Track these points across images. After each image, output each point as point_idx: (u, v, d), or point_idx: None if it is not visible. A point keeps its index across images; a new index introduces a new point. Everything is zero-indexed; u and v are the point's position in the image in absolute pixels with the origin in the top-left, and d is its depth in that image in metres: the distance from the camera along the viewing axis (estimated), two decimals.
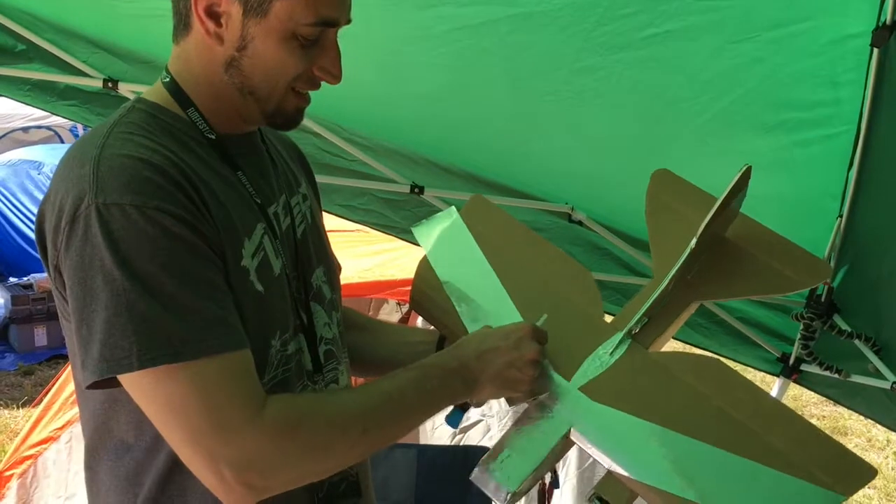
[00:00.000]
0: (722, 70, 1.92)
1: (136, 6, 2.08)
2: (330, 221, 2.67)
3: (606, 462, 1.24)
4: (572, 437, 1.25)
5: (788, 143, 2.10)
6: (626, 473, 1.21)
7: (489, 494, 1.21)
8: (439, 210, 2.55)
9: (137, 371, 0.97)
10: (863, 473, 1.18)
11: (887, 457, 4.97)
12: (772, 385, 2.89)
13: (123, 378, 0.99)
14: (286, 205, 1.21)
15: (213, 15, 1.07)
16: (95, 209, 0.98)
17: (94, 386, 1.00)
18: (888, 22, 1.78)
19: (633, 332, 1.37)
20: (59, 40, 2.41)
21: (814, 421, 5.56)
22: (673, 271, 1.40)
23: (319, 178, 2.51)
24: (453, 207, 1.53)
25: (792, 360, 2.78)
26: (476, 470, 1.22)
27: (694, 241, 1.37)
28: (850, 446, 5.20)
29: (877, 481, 4.72)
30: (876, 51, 1.85)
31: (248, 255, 1.09)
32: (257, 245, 1.11)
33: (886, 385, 2.40)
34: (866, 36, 1.83)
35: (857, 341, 2.49)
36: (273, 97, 1.11)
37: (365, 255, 3.65)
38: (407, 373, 1.17)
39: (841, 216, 2.32)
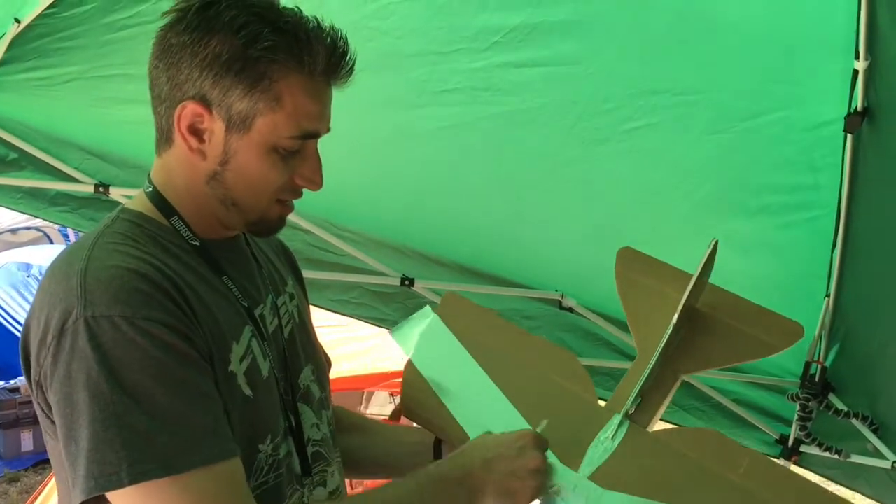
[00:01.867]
0: (703, 158, 1.97)
1: (127, 113, 2.12)
2: (320, 314, 2.68)
3: None
4: None
5: (772, 226, 2.14)
6: None
7: None
8: (430, 302, 2.57)
9: (127, 487, 0.95)
10: None
11: None
12: None
13: (112, 495, 0.97)
14: (273, 305, 1.21)
15: (196, 132, 1.08)
16: (84, 322, 0.97)
17: None
18: (859, 108, 1.84)
19: (630, 413, 1.37)
20: (51, 148, 2.45)
21: None
22: (659, 348, 1.41)
23: (309, 274, 2.53)
24: (428, 307, 1.54)
25: (791, 442, 2.76)
26: None
27: (675, 316, 1.39)
28: None
29: None
30: (850, 136, 1.91)
31: (237, 359, 1.08)
32: (245, 348, 1.10)
33: (887, 465, 2.38)
34: (839, 122, 1.89)
35: (854, 420, 2.49)
36: (256, 208, 1.11)
37: (356, 349, 3.65)
38: (408, 482, 1.15)
39: (828, 296, 2.35)
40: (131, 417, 0.96)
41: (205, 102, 1.06)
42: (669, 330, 1.40)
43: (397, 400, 4.07)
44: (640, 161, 1.96)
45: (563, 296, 2.58)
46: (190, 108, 1.06)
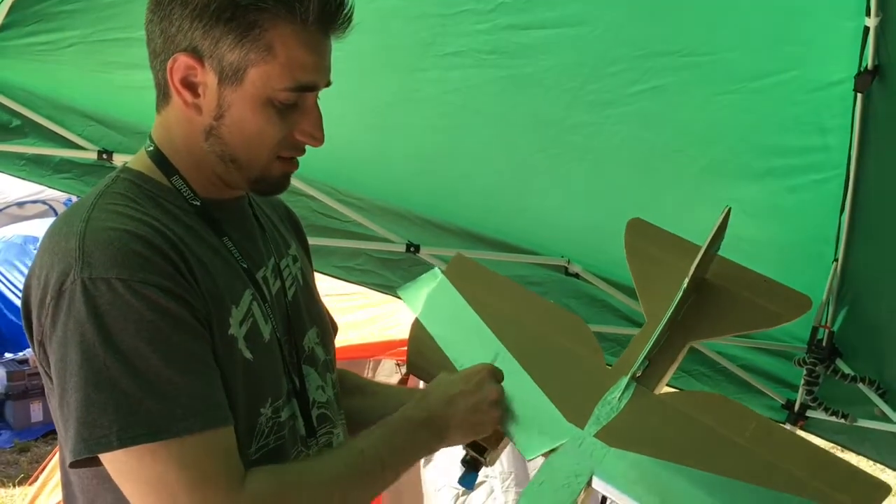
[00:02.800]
0: (710, 121, 1.95)
1: (130, 78, 2.10)
2: (327, 283, 2.68)
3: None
4: (594, 486, 1.24)
5: (780, 189, 2.12)
6: None
7: None
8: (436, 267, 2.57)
9: (117, 450, 0.96)
10: (878, 490, 1.21)
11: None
12: None
13: (104, 456, 0.97)
14: (275, 268, 1.20)
15: (190, 85, 1.06)
16: (81, 284, 0.97)
17: (77, 465, 0.99)
18: (870, 67, 1.82)
19: (637, 376, 1.39)
20: (54, 115, 2.43)
21: None
22: (668, 314, 1.42)
23: (314, 241, 2.52)
24: (436, 269, 1.55)
25: (797, 407, 2.75)
26: None
27: (685, 281, 1.40)
28: None
29: None
30: (860, 96, 1.88)
31: (236, 322, 1.07)
32: (245, 312, 1.09)
33: (894, 428, 2.38)
34: (849, 82, 1.86)
35: (860, 385, 2.48)
36: (256, 164, 1.09)
37: (363, 317, 3.64)
38: (377, 430, 1.18)
39: (836, 260, 2.33)
40: (124, 381, 0.96)
41: (196, 54, 1.05)
42: (678, 296, 1.42)
43: (404, 369, 4.08)
44: (646, 124, 1.94)
45: (569, 262, 2.57)
46: (181, 61, 1.05)
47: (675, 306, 1.42)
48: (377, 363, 4.10)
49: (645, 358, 1.39)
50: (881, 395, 2.48)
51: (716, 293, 1.55)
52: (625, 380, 1.37)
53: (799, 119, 1.96)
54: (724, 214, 1.49)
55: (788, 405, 2.79)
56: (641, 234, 1.65)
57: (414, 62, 1.94)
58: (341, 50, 1.94)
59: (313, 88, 1.09)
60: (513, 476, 3.36)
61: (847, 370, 2.50)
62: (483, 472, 3.37)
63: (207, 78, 1.05)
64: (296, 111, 1.08)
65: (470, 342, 1.42)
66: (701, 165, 2.05)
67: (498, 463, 3.37)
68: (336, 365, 1.33)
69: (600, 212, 2.32)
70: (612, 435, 1.30)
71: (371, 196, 2.55)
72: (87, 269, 0.97)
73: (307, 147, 1.12)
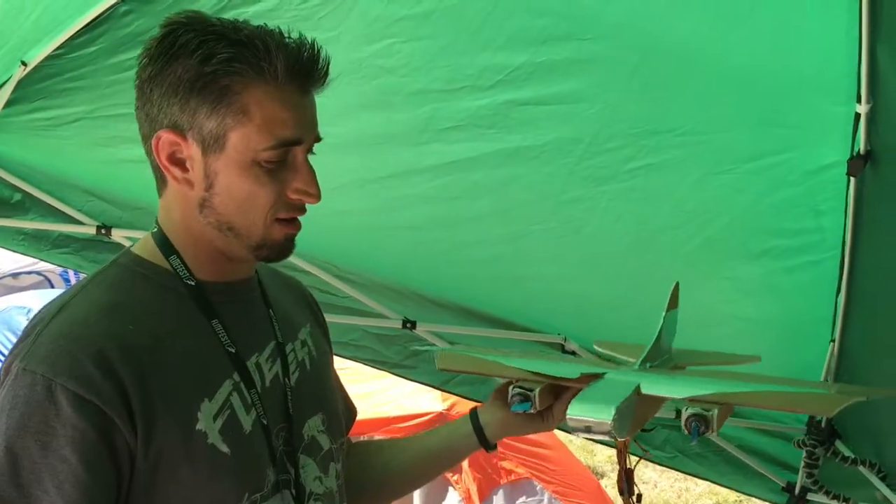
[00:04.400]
0: (705, 200, 1.97)
1: (132, 152, 2.12)
2: None
3: (676, 394, 1.26)
4: (644, 391, 1.24)
5: (776, 270, 2.13)
6: (695, 394, 1.22)
7: (588, 435, 1.18)
8: (431, 344, 2.56)
9: None
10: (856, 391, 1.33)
11: None
12: None
13: None
14: (274, 352, 1.18)
15: (178, 161, 1.07)
16: (15, 372, 1.00)
17: None
18: (862, 152, 1.84)
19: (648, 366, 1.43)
20: (54, 190, 2.46)
21: None
22: (655, 334, 1.47)
23: None
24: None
25: (798, 490, 2.71)
26: (568, 420, 1.19)
27: (664, 314, 1.49)
28: None
29: None
30: (853, 179, 1.91)
31: (208, 416, 1.05)
32: (221, 404, 1.07)
33: None
34: (842, 165, 1.89)
35: (861, 468, 2.44)
36: (254, 230, 1.08)
37: (354, 392, 3.60)
38: None
39: (833, 340, 2.33)
40: (4, 482, 0.97)
41: (178, 129, 1.06)
42: (662, 318, 1.49)
43: None
44: (642, 201, 1.97)
45: (565, 339, 2.56)
46: (165, 138, 1.06)
47: (660, 329, 1.48)
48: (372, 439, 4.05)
49: (647, 355, 1.42)
50: (882, 479, 2.44)
51: (684, 351, 1.63)
52: (637, 364, 1.40)
53: (794, 201, 1.98)
54: (672, 289, 1.55)
55: (789, 488, 2.74)
56: (607, 348, 1.73)
57: (414, 136, 1.98)
58: (342, 126, 1.99)
59: (296, 143, 1.08)
60: None
61: (847, 452, 2.47)
62: None
63: (192, 151, 1.06)
64: (285, 169, 1.08)
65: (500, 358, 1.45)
66: (697, 243, 2.06)
67: None
68: (344, 453, 1.29)
69: (596, 286, 2.33)
70: (649, 372, 1.36)
71: (368, 272, 2.56)
72: (26, 359, 1.00)
73: (308, 206, 1.11)
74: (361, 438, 4.05)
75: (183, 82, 1.04)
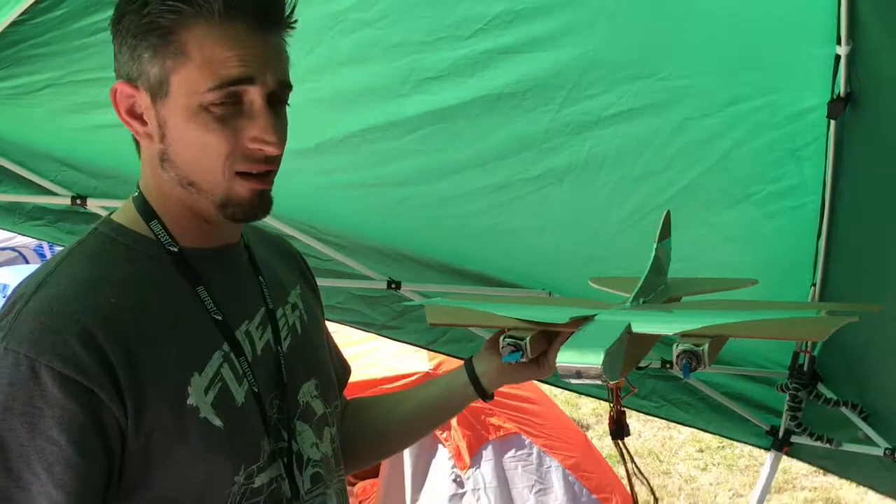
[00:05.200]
0: (686, 145, 1.97)
1: (105, 117, 2.09)
2: None
3: (667, 330, 1.25)
4: (634, 330, 1.22)
5: (757, 215, 2.14)
6: (685, 329, 1.20)
7: (579, 382, 1.15)
8: (417, 305, 2.55)
9: None
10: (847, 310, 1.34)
11: None
12: (762, 459, 2.86)
13: None
14: (265, 319, 1.15)
15: (136, 115, 1.03)
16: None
17: None
18: (842, 94, 1.85)
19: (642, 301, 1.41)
20: (26, 161, 2.41)
21: (805, 493, 5.50)
22: (646, 270, 1.44)
23: None
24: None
25: (781, 433, 2.75)
26: (558, 367, 1.16)
27: (655, 245, 1.47)
28: None
29: None
30: (833, 122, 1.91)
31: (199, 391, 1.02)
32: (212, 377, 1.04)
33: (879, 451, 2.38)
34: (822, 108, 1.89)
35: (843, 409, 2.49)
36: (215, 185, 1.03)
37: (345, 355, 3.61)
38: None
39: (814, 284, 2.35)
40: None
41: (130, 80, 1.03)
42: (654, 248, 1.46)
43: None
44: (624, 147, 1.96)
45: (550, 294, 2.57)
46: (120, 90, 1.03)
47: (652, 263, 1.46)
48: None
49: (640, 289, 1.40)
50: (864, 419, 2.49)
51: (680, 280, 1.62)
52: (629, 299, 1.38)
53: (774, 145, 1.98)
54: (664, 217, 1.54)
55: (773, 431, 2.79)
56: (602, 283, 1.70)
57: (394, 88, 1.95)
58: (320, 81, 1.96)
59: (243, 82, 1.00)
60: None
61: (829, 394, 2.52)
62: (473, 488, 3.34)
63: (145, 100, 1.02)
64: (240, 116, 1.01)
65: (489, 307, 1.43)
66: (678, 189, 2.07)
67: (485, 500, 3.33)
68: (339, 415, 1.28)
69: (579, 237, 2.33)
70: (641, 309, 1.35)
71: (351, 233, 2.54)
72: (7, 338, 0.97)
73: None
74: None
75: (130, 31, 1.01)
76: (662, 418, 2.86)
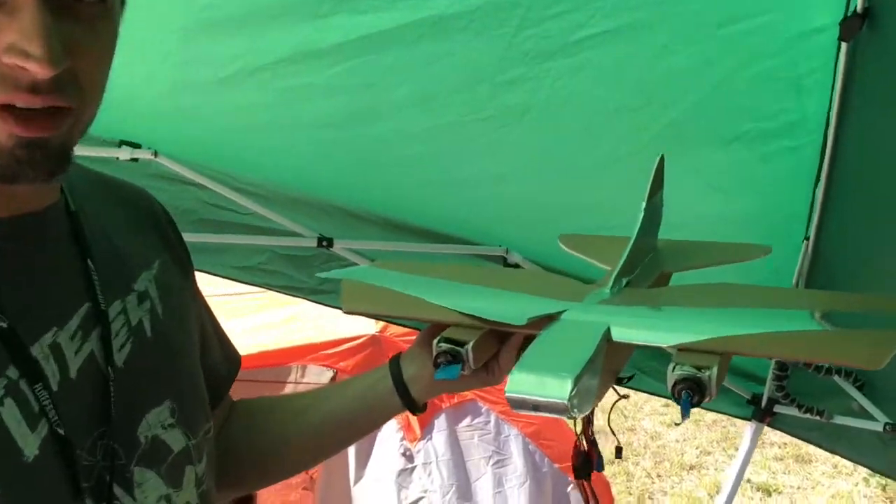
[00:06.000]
0: (670, 74, 1.62)
1: None
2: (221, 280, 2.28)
3: (660, 340, 0.95)
4: (615, 337, 0.93)
5: (749, 158, 1.82)
6: (686, 340, 0.91)
7: (538, 414, 0.86)
8: (353, 264, 2.21)
9: None
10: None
11: (857, 483, 4.73)
12: (742, 430, 2.61)
13: None
14: (88, 322, 0.78)
15: None
16: None
17: None
18: (859, 10, 1.51)
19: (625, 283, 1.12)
20: None
21: (774, 449, 5.32)
22: (633, 237, 1.15)
23: (205, 238, 2.13)
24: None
25: (764, 402, 2.49)
26: (507, 398, 0.86)
27: (643, 204, 1.18)
28: (816, 475, 4.99)
29: None
30: (844, 46, 1.58)
31: None
32: None
33: (878, 427, 2.12)
34: (833, 29, 1.55)
35: (836, 377, 2.22)
36: None
37: (280, 316, 3.27)
38: None
39: (807, 238, 2.05)
40: None
41: None
42: (640, 217, 1.16)
43: (329, 375, 3.72)
44: (595, 78, 1.61)
45: (507, 251, 2.25)
46: None
47: (640, 227, 1.16)
48: (301, 369, 3.73)
49: (623, 266, 1.11)
50: (859, 388, 2.23)
51: (675, 246, 1.33)
52: (612, 277, 1.08)
53: (773, 74, 1.65)
54: (657, 164, 1.27)
55: (755, 400, 2.53)
56: (573, 246, 1.40)
57: (312, 7, 1.56)
58: (230, 2, 1.58)
59: None
60: (454, 489, 3.04)
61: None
62: (420, 487, 3.06)
63: None
64: None
65: (426, 287, 1.12)
66: (659, 127, 1.72)
67: (437, 474, 3.04)
68: (211, 442, 0.92)
69: (542, 186, 1.98)
70: (616, 302, 1.04)
71: (272, 181, 2.17)
72: None
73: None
74: (296, 366, 3.74)
75: None
76: (634, 389, 2.57)
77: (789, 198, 1.94)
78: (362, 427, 1.14)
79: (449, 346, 0.97)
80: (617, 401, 1.07)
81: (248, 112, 1.88)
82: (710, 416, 5.59)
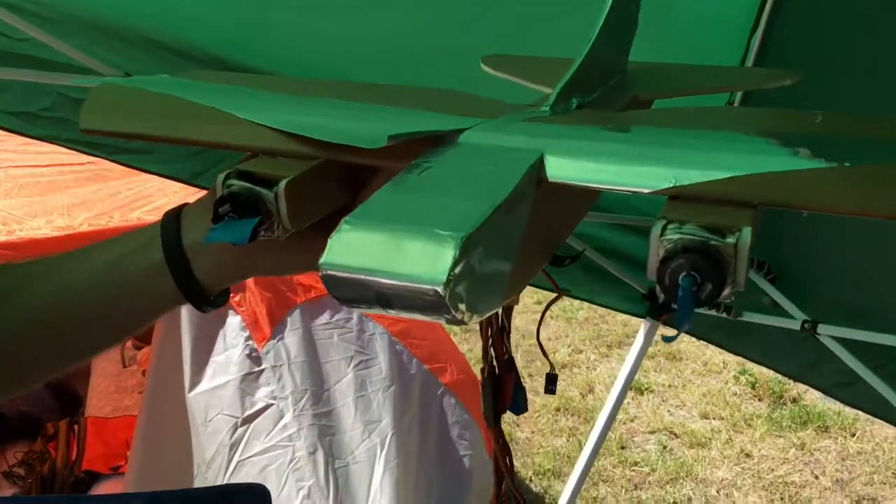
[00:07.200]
0: None
1: None
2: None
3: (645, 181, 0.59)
4: (552, 174, 0.56)
5: None
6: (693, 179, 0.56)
7: (384, 312, 0.47)
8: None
9: None
10: None
11: (727, 381, 4.70)
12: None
13: None
14: None
15: None
16: None
17: None
18: None
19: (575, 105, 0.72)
20: None
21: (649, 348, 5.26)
22: (591, 38, 0.73)
23: None
24: None
25: (661, 297, 2.20)
26: (322, 277, 0.46)
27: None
28: (686, 373, 4.91)
29: (721, 411, 4.41)
30: None
31: None
32: None
33: (795, 325, 1.85)
34: None
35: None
36: None
37: (101, 194, 2.72)
38: None
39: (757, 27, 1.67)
40: None
41: None
42: (601, 17, 0.73)
43: None
44: None
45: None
46: None
47: (603, 23, 0.74)
48: None
49: (573, 79, 0.70)
50: (771, 281, 1.96)
51: (658, 71, 0.94)
52: (556, 91, 0.68)
53: None
54: None
55: (651, 295, 2.23)
56: (501, 67, 1.00)
57: None
58: None
59: None
60: (308, 395, 2.65)
61: None
62: (268, 393, 2.65)
63: None
64: None
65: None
66: None
67: (289, 379, 2.64)
68: None
69: (473, 37, 1.52)
70: (570, 120, 0.67)
71: (66, 2, 1.62)
72: None
73: None
74: None
75: None
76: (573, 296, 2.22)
77: None
78: (113, 316, 0.73)
79: (242, 184, 0.56)
80: (553, 301, 0.73)
81: None
82: (583, 313, 5.43)
